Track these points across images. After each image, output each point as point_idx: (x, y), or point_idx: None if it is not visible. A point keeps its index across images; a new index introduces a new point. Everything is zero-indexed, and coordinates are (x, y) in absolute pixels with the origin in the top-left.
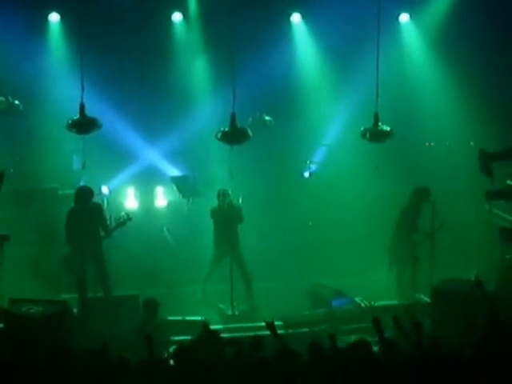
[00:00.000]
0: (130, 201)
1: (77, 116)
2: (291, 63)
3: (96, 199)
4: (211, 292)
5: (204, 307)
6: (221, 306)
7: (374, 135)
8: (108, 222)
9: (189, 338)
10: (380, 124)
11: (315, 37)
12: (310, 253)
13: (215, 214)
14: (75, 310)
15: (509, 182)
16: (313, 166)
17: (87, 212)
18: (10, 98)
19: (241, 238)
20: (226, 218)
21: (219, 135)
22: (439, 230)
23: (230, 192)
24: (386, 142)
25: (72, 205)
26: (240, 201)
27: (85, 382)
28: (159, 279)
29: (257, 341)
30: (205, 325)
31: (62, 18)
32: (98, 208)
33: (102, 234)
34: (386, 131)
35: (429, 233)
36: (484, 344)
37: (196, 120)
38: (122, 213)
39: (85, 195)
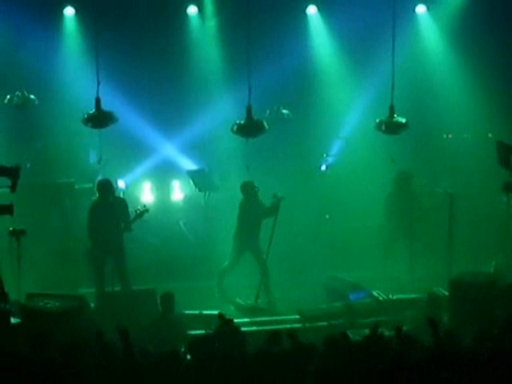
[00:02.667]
0: (147, 195)
1: (93, 110)
2: (307, 55)
3: (115, 193)
4: (229, 287)
5: (222, 301)
6: (238, 300)
7: (390, 127)
8: None
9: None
10: (395, 116)
11: (331, 29)
12: (327, 246)
13: (245, 208)
14: (92, 305)
15: None
16: (329, 159)
17: (110, 205)
18: (25, 92)
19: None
20: (257, 213)
21: (235, 128)
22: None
23: (257, 186)
24: (401, 133)
25: (92, 198)
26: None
27: (104, 373)
28: (176, 273)
29: (275, 335)
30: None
31: (77, 12)
32: (123, 202)
33: (122, 226)
34: (402, 123)
35: (425, 209)
36: (502, 337)
37: (212, 113)
38: (139, 206)
39: (107, 188)
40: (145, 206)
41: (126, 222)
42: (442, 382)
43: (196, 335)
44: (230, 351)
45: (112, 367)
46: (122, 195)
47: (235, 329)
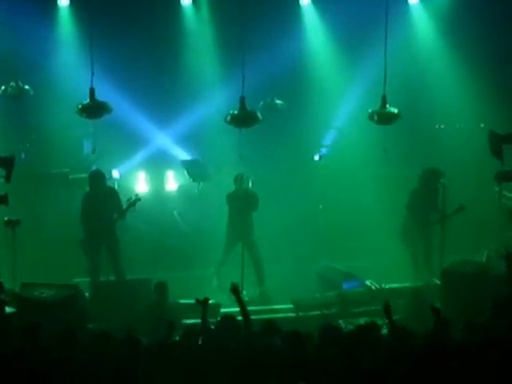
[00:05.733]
0: (141, 185)
1: (87, 100)
2: (301, 46)
3: (107, 183)
4: (224, 275)
5: (217, 291)
6: None
7: (382, 117)
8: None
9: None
10: (388, 106)
11: (324, 19)
12: (321, 235)
13: (230, 199)
14: (87, 294)
15: None
16: (323, 150)
17: (101, 196)
18: (20, 82)
19: (253, 222)
20: (242, 203)
21: (228, 118)
22: (459, 212)
23: (247, 177)
24: (393, 124)
25: (86, 189)
26: (250, 184)
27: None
28: (170, 263)
29: (267, 324)
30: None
31: (72, 2)
32: (113, 192)
33: (115, 216)
34: (394, 113)
35: (447, 215)
36: (491, 325)
37: (206, 104)
38: (132, 195)
39: (98, 179)
40: (137, 195)
41: (120, 212)
42: (438, 374)
43: (190, 324)
44: (226, 340)
45: (107, 356)
46: (116, 185)
47: (231, 318)
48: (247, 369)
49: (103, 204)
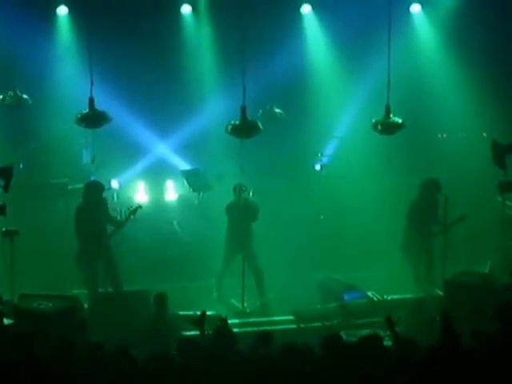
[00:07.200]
0: (141, 195)
1: (86, 110)
2: (302, 55)
3: (106, 193)
4: (224, 287)
5: (217, 302)
6: (232, 301)
7: (386, 127)
8: (118, 215)
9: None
10: (391, 116)
11: (325, 27)
12: (322, 246)
13: (230, 209)
14: (86, 306)
15: None
16: (324, 159)
17: (94, 207)
18: (18, 92)
19: (253, 232)
20: (241, 214)
21: (229, 128)
22: (460, 221)
23: (246, 187)
24: (397, 134)
25: (80, 200)
26: (250, 194)
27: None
28: (170, 273)
29: (264, 336)
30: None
31: (70, 11)
32: (104, 202)
33: (112, 228)
34: (398, 123)
35: (447, 225)
36: (494, 337)
37: (206, 113)
38: (132, 203)
39: (92, 190)
40: (138, 203)
41: (113, 222)
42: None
43: (185, 336)
44: (222, 353)
45: (103, 369)
46: (115, 195)
47: (227, 330)
48: (244, 379)
49: (96, 216)
